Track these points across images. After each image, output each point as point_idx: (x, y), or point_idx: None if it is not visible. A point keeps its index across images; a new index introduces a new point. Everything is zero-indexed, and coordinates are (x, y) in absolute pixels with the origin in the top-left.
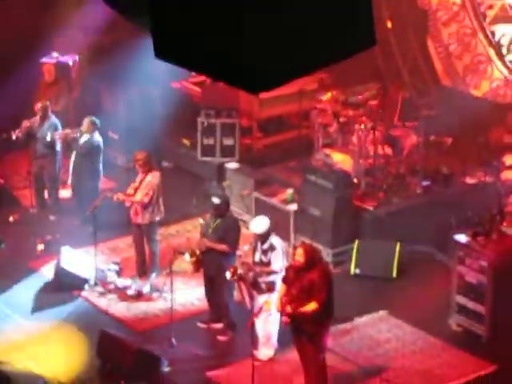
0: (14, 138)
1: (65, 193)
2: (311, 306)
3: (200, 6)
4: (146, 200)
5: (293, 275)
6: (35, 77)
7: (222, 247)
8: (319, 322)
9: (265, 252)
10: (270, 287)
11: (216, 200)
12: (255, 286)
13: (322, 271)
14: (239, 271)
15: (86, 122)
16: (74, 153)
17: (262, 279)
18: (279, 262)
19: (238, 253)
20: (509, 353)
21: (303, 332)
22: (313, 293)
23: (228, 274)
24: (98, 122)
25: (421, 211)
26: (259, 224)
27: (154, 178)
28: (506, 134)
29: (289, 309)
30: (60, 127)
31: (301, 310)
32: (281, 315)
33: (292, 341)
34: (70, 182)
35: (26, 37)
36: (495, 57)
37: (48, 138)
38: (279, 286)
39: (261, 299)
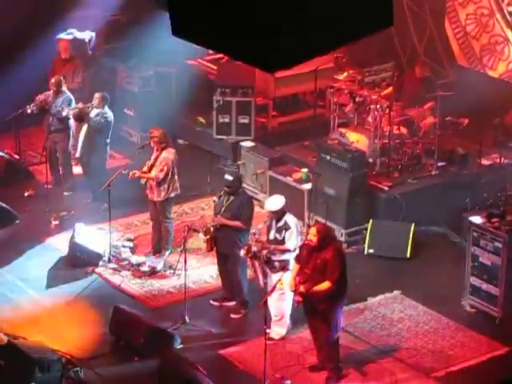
0: (28, 111)
1: (79, 169)
2: (324, 285)
3: None
4: (161, 176)
5: (306, 254)
6: (51, 53)
7: (236, 223)
8: (332, 301)
9: (279, 230)
10: (284, 266)
11: (229, 177)
12: (269, 265)
13: (336, 250)
14: (253, 249)
15: (96, 96)
16: (85, 127)
17: (276, 257)
18: (293, 241)
19: (253, 231)
20: None
21: (316, 311)
22: (326, 272)
23: (242, 252)
24: (108, 96)
25: (436, 192)
26: (274, 202)
27: (169, 154)
28: None
29: (302, 288)
30: (74, 102)
31: (314, 289)
32: (294, 294)
33: (305, 319)
34: (77, 155)
35: (43, 12)
36: None
37: (64, 113)
38: (293, 265)
39: (274, 277)
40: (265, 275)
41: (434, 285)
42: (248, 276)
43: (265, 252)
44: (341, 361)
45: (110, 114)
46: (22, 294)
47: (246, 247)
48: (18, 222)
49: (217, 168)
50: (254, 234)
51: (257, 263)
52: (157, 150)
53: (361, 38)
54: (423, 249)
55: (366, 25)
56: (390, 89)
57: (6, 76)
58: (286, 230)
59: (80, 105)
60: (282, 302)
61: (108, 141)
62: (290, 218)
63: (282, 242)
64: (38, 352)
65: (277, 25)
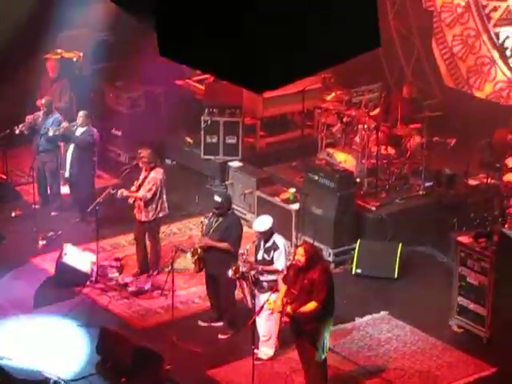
0: (17, 132)
1: (66, 189)
2: (311, 306)
3: (204, 4)
4: (149, 196)
5: (293, 275)
6: (39, 72)
7: (224, 246)
8: (319, 321)
9: (267, 250)
10: (272, 286)
11: (218, 198)
12: (257, 285)
13: (323, 270)
14: (241, 269)
15: (80, 115)
16: (72, 146)
17: (264, 278)
18: (282, 261)
19: (241, 251)
20: (510, 354)
21: (304, 332)
22: (313, 292)
23: (230, 272)
24: (91, 115)
25: (423, 212)
26: (262, 222)
27: (157, 174)
28: (510, 136)
29: (289, 309)
30: (63, 123)
31: (301, 309)
32: (281, 315)
33: (293, 340)
34: (67, 175)
35: (31, 33)
36: (499, 59)
37: (50, 133)
38: (280, 286)
39: (262, 298)
40: (252, 296)
41: (421, 305)
42: (236, 296)
43: (253, 272)
44: (329, 381)
45: (95, 132)
46: (8, 315)
47: (234, 268)
48: (4, 241)
49: (205, 188)
50: (243, 255)
51: (245, 284)
52: (145, 170)
53: (348, 58)
54: (410, 269)
55: (353, 45)
56: (378, 110)
57: None
58: (275, 250)
59: (65, 124)
60: (270, 322)
61: (95, 159)
62: (278, 239)
63: (271, 262)
64: (24, 373)
65: (264, 46)
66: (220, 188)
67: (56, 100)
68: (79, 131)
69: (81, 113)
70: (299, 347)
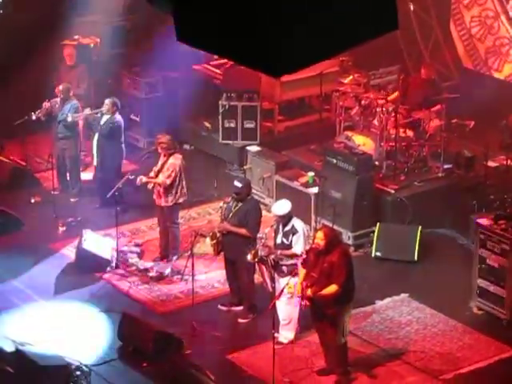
0: (33, 118)
1: (86, 175)
2: (331, 289)
3: None
4: (169, 182)
5: (313, 258)
6: (57, 59)
7: (243, 231)
8: (340, 304)
9: (286, 234)
10: (292, 270)
11: (238, 184)
12: (276, 269)
13: (342, 253)
14: (260, 253)
15: (107, 102)
16: (97, 134)
17: (284, 262)
18: (301, 245)
19: (260, 235)
20: None
21: (324, 315)
22: (333, 275)
23: (249, 256)
24: (119, 102)
25: (442, 194)
26: (281, 206)
27: (176, 160)
28: None
29: (309, 292)
30: (80, 109)
31: (321, 292)
32: (301, 299)
33: (313, 323)
34: (95, 163)
35: (48, 19)
36: None
37: (69, 119)
38: (300, 270)
39: (282, 282)
40: (272, 280)
41: (441, 287)
42: (255, 280)
43: (272, 256)
44: (349, 364)
45: (119, 120)
46: (29, 301)
47: (253, 252)
48: (22, 227)
49: (223, 173)
50: (261, 239)
51: (264, 268)
52: (164, 156)
53: (365, 41)
54: (430, 251)
55: (370, 28)
56: (396, 93)
57: (12, 82)
58: (294, 234)
59: (87, 110)
60: (290, 306)
61: (122, 145)
62: (297, 222)
63: (289, 246)
64: (46, 359)
65: (281, 29)
66: (239, 173)
67: (74, 86)
68: (104, 119)
69: (107, 100)
70: (319, 331)
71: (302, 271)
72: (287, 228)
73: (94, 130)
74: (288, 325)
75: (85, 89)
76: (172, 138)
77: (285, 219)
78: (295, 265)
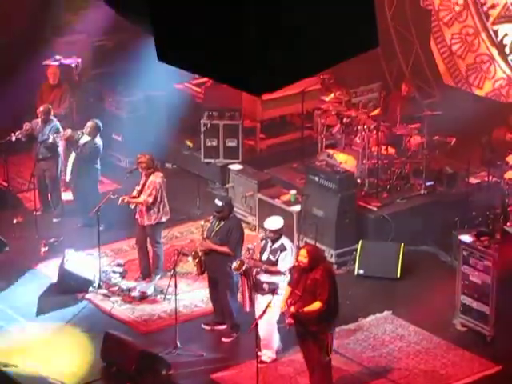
0: (13, 139)
1: (67, 195)
2: (315, 306)
3: (201, 7)
4: (150, 200)
5: (296, 276)
6: (38, 79)
7: (225, 250)
8: (323, 322)
9: (274, 252)
10: (273, 289)
11: (219, 202)
12: (257, 286)
13: (325, 271)
14: (245, 265)
15: (89, 125)
16: (73, 154)
17: (266, 279)
18: (287, 263)
19: (248, 245)
20: None
21: (308, 333)
22: (316, 293)
23: (234, 265)
24: (101, 125)
25: (425, 211)
26: (274, 222)
27: (156, 178)
28: (509, 134)
29: (292, 309)
30: (61, 130)
31: (305, 309)
32: (285, 317)
33: (297, 342)
34: (67, 180)
35: (28, 39)
36: (498, 56)
37: (50, 140)
38: (284, 288)
39: (262, 300)
40: (251, 297)
41: (424, 304)
42: (239, 299)
43: (256, 269)
44: (333, 383)
45: (99, 144)
46: (12, 322)
47: (238, 261)
48: (7, 248)
49: (206, 191)
50: (249, 250)
51: (246, 281)
52: (144, 175)
53: (347, 59)
54: (413, 269)
55: (351, 46)
56: (378, 110)
57: None
58: (281, 251)
59: (68, 131)
60: (271, 327)
61: (98, 166)
62: (286, 241)
63: (275, 263)
64: (29, 380)
65: (262, 48)
66: (221, 191)
67: (56, 106)
68: (83, 140)
69: (89, 123)
70: (304, 349)
71: (287, 289)
72: (276, 245)
73: (71, 150)
74: (269, 344)
75: (66, 108)
76: (151, 157)
77: (275, 235)
78: (277, 284)
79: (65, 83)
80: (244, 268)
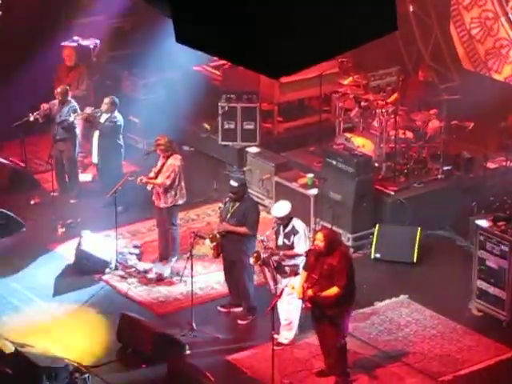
0: (31, 119)
1: (85, 176)
2: (333, 291)
3: None
4: (168, 182)
5: (313, 260)
6: (56, 60)
7: (242, 230)
8: (340, 306)
9: (287, 235)
10: (294, 270)
11: (233, 183)
12: (279, 270)
13: (342, 256)
14: (262, 256)
15: (106, 101)
16: (96, 133)
17: (286, 263)
18: (302, 245)
19: (261, 238)
20: None
21: (324, 316)
22: (333, 277)
23: (251, 260)
24: (117, 101)
25: (442, 196)
26: (280, 208)
27: (175, 161)
28: None
29: (310, 293)
30: (79, 111)
31: (322, 294)
32: (302, 301)
33: (312, 325)
34: (95, 161)
35: (48, 20)
36: None
37: (71, 119)
38: (301, 272)
39: (285, 282)
40: (275, 281)
41: (440, 289)
42: (255, 282)
43: (274, 258)
44: (349, 366)
45: (119, 118)
46: (28, 303)
47: (254, 255)
48: (23, 229)
49: (223, 174)
50: (262, 241)
51: (267, 270)
52: (163, 157)
53: (365, 42)
54: (429, 253)
55: (370, 29)
56: (396, 95)
57: (11, 83)
58: (295, 234)
59: (88, 110)
60: (291, 307)
61: (121, 143)
62: (297, 223)
63: (291, 247)
64: (45, 360)
65: (280, 30)
66: (238, 174)
67: (73, 88)
68: (103, 118)
69: (106, 99)
70: (319, 332)
71: (303, 273)
72: (288, 229)
73: (93, 128)
74: (288, 325)
75: (84, 90)
76: (170, 140)
77: (285, 221)
78: (298, 265)
79: (82, 65)
80: (261, 259)
